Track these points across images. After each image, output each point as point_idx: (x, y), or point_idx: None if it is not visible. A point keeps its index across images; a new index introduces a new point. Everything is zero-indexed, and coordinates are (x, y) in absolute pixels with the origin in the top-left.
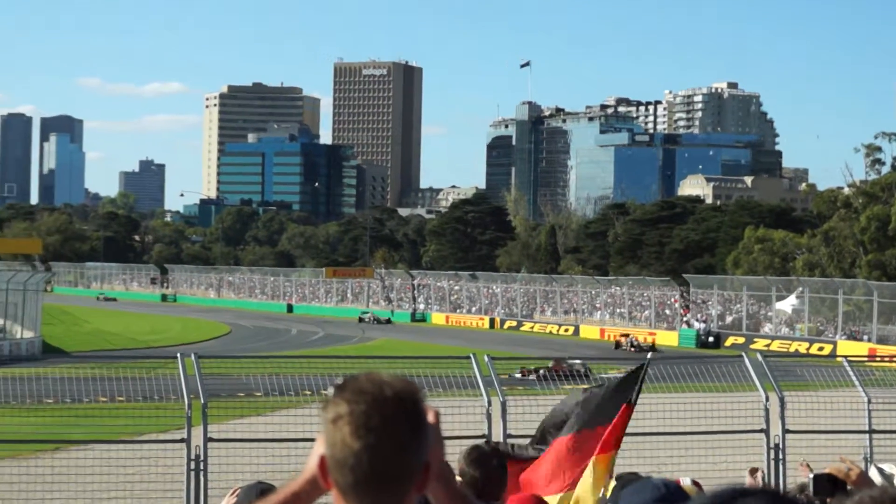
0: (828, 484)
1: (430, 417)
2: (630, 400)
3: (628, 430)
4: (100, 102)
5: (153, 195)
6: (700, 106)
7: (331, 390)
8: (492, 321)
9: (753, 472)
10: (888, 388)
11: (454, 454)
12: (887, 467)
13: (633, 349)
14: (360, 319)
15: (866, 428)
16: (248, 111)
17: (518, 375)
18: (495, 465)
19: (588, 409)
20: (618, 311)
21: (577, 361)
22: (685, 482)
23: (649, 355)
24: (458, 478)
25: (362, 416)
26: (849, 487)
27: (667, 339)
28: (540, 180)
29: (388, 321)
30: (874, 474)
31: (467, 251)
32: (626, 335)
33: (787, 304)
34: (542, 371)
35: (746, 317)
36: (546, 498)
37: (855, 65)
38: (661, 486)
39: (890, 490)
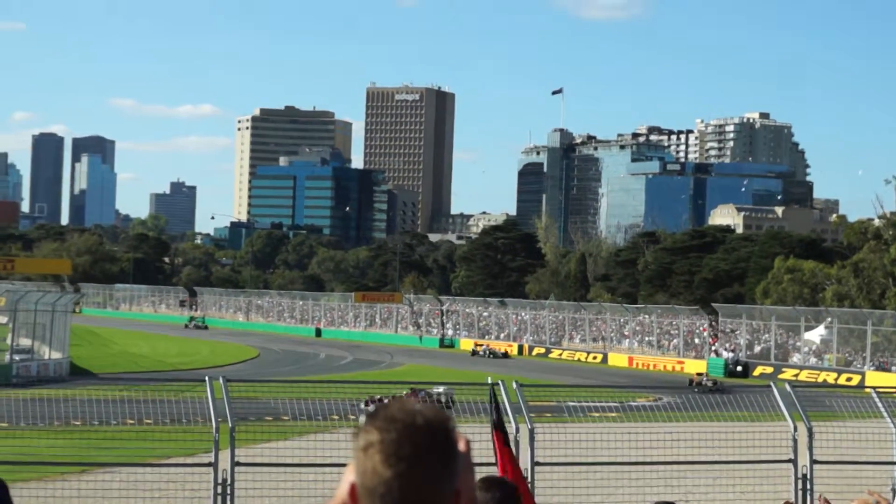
0: None
1: (461, 445)
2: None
3: (659, 458)
4: (132, 123)
5: (184, 217)
6: (732, 135)
7: (362, 418)
8: (520, 348)
9: None
10: None
11: None
12: None
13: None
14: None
15: (895, 459)
16: (280, 134)
17: (362, 406)
18: (508, 489)
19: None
20: (646, 339)
21: (440, 390)
22: None
23: (489, 379)
24: None
25: (393, 445)
26: None
27: (695, 367)
28: (570, 207)
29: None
30: None
31: (497, 277)
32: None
33: (816, 335)
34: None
35: (775, 346)
36: None
37: (887, 96)
38: None
39: None
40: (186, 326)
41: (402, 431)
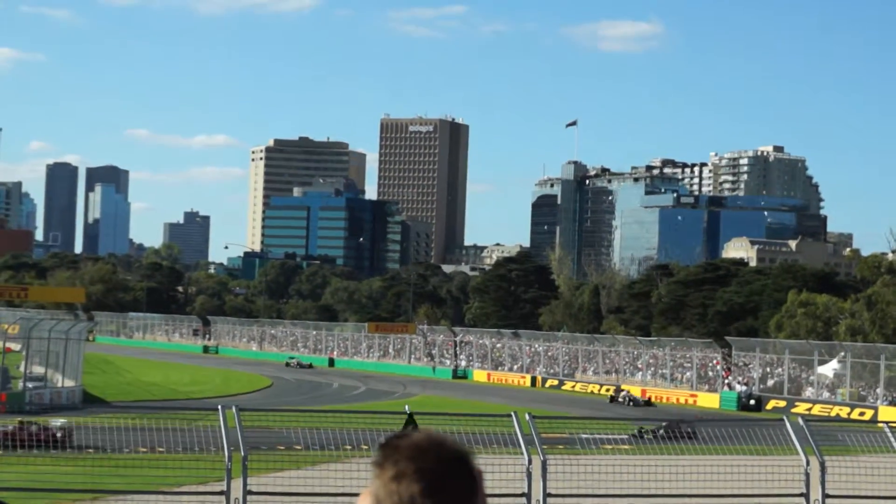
0: None
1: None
2: None
3: (671, 491)
4: (146, 153)
5: (197, 247)
6: (745, 169)
7: (378, 451)
8: (533, 379)
9: None
10: None
11: None
12: None
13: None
14: (287, 364)
15: None
16: (294, 165)
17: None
18: None
19: None
20: (659, 371)
21: (58, 423)
22: None
23: (406, 407)
24: None
25: (432, 474)
26: None
27: (708, 401)
28: (584, 240)
29: (311, 366)
30: None
31: (510, 309)
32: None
33: (829, 369)
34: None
35: (788, 380)
36: None
37: None
38: None
39: None
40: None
41: (437, 461)
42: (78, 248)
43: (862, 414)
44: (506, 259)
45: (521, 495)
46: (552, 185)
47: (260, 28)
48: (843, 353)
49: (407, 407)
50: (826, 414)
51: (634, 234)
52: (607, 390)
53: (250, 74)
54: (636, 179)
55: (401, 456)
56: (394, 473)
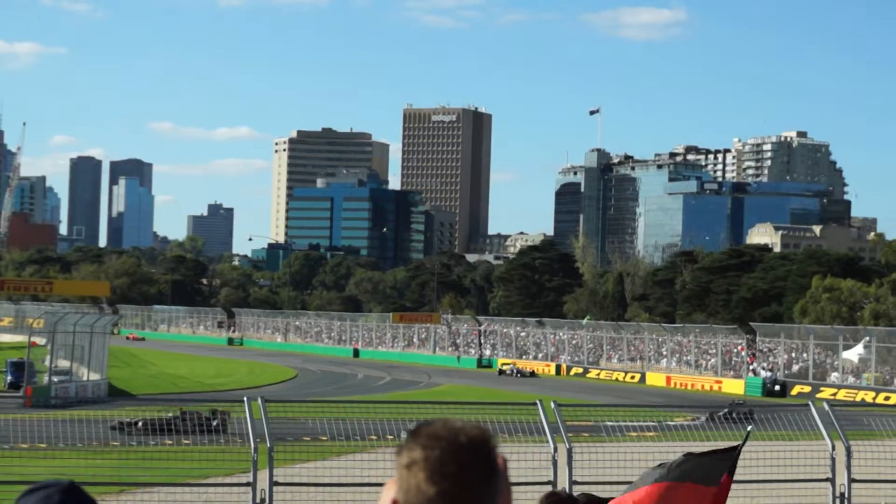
0: None
1: (500, 464)
2: (729, 471)
3: None
4: (169, 146)
5: (221, 239)
6: (769, 154)
7: (405, 435)
8: (558, 367)
9: None
10: None
11: (521, 501)
12: None
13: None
14: (500, 372)
15: None
16: (317, 156)
17: None
18: None
19: (680, 467)
20: (684, 358)
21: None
22: None
23: (750, 428)
24: None
25: (437, 462)
26: None
27: (733, 387)
28: (608, 227)
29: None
30: None
31: (535, 297)
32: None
33: (854, 354)
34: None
35: (813, 366)
36: None
37: None
38: None
39: None
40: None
41: (445, 449)
42: (102, 241)
43: (887, 398)
44: (530, 247)
45: (547, 483)
46: (575, 173)
47: (280, 19)
48: (867, 338)
49: (751, 427)
50: (851, 399)
51: (658, 221)
52: (633, 378)
53: (272, 66)
54: (660, 166)
55: (416, 444)
56: (407, 461)
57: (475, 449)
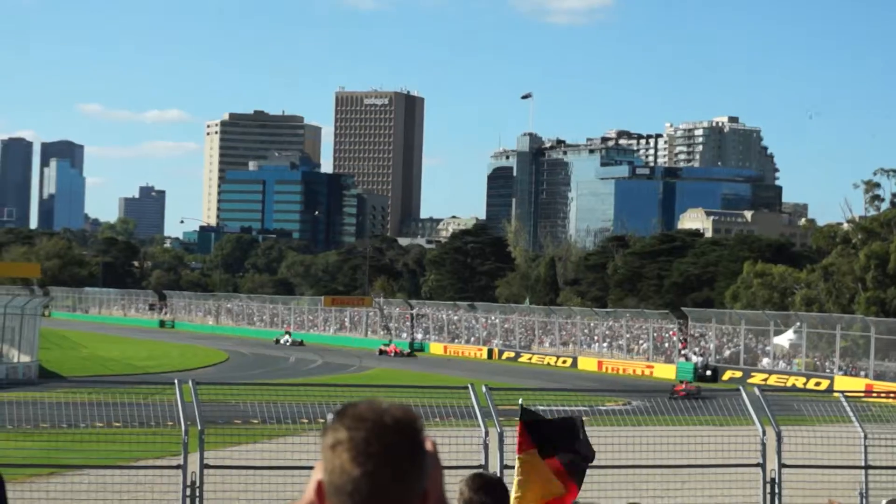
0: None
1: (429, 446)
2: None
3: (627, 462)
4: (100, 128)
5: (153, 221)
6: (701, 140)
7: (330, 416)
8: (490, 352)
9: None
10: (884, 423)
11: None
12: None
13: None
14: (276, 341)
15: (862, 463)
16: (249, 139)
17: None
18: (502, 491)
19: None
20: (616, 343)
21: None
22: None
23: (520, 401)
24: None
25: (362, 443)
26: None
27: (664, 372)
28: (540, 212)
29: (302, 343)
30: None
31: (467, 282)
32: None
33: (785, 339)
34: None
35: (744, 351)
36: None
37: (855, 100)
38: None
39: None
40: (277, 342)
41: (370, 430)
42: (33, 223)
43: (818, 384)
44: (462, 231)
45: (478, 467)
46: (508, 158)
47: (211, 1)
48: (798, 324)
49: (521, 401)
50: (782, 384)
51: (590, 206)
52: (564, 362)
53: (203, 49)
54: (591, 151)
55: (341, 425)
56: (331, 442)
57: (400, 430)
